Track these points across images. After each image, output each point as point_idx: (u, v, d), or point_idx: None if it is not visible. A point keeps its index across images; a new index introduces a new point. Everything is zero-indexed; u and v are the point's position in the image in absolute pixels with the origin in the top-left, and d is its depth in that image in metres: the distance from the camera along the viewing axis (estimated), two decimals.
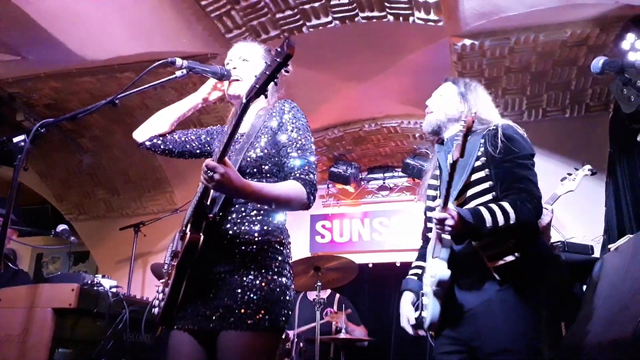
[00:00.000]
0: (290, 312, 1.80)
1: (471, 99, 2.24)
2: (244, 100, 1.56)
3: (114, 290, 2.72)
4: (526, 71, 4.33)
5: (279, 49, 1.52)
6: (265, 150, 1.84)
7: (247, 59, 2.00)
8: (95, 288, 2.64)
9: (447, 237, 2.01)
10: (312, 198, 1.79)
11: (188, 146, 2.10)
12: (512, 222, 1.89)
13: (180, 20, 3.94)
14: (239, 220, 1.81)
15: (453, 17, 3.78)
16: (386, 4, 3.73)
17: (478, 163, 2.07)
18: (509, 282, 1.93)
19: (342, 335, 4.19)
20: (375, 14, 3.83)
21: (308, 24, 3.98)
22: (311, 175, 1.80)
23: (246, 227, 1.80)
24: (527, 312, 1.92)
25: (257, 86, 1.54)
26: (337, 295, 4.98)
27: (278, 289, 1.76)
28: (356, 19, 3.89)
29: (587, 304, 3.13)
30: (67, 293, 2.46)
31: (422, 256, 2.34)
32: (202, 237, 1.71)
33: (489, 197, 2.02)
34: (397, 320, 6.69)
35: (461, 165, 2.03)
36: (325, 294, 4.89)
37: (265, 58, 2.03)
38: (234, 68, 1.98)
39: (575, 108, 4.63)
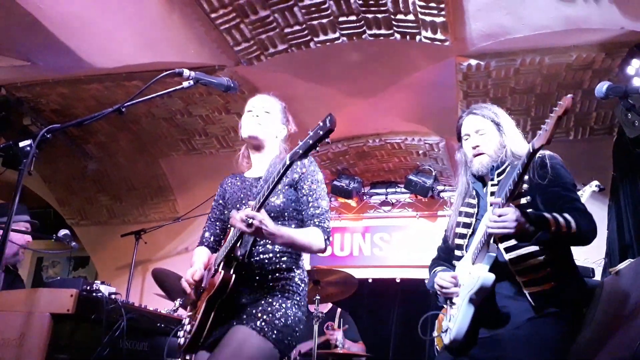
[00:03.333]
0: (295, 343, 2.03)
1: (505, 128, 2.22)
2: (288, 162, 1.81)
3: (112, 297, 2.71)
4: (531, 93, 4.35)
5: (321, 123, 1.75)
6: (287, 198, 2.11)
7: (269, 112, 2.27)
8: (94, 294, 2.63)
9: (494, 245, 2.00)
10: (327, 243, 2.08)
11: (223, 225, 2.33)
12: (572, 230, 1.87)
13: (189, 31, 3.98)
14: (267, 260, 2.05)
15: (460, 37, 3.81)
16: (394, 22, 3.77)
17: (521, 190, 2.05)
18: (543, 311, 1.91)
19: (340, 350, 4.16)
20: (383, 31, 3.86)
21: (316, 39, 4.01)
22: (327, 223, 2.10)
23: (275, 266, 2.05)
24: (555, 346, 1.91)
25: (300, 152, 1.78)
26: (339, 310, 4.96)
27: (293, 317, 2.00)
28: (363, 36, 3.93)
29: (587, 327, 3.11)
30: (66, 298, 2.45)
31: (439, 263, 2.35)
32: (234, 276, 1.95)
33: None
34: (396, 336, 6.64)
35: (503, 191, 2.03)
36: (325, 308, 4.87)
37: (282, 113, 2.33)
38: (257, 116, 2.24)
39: (579, 131, 4.65)
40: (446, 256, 2.36)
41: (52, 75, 4.42)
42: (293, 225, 2.11)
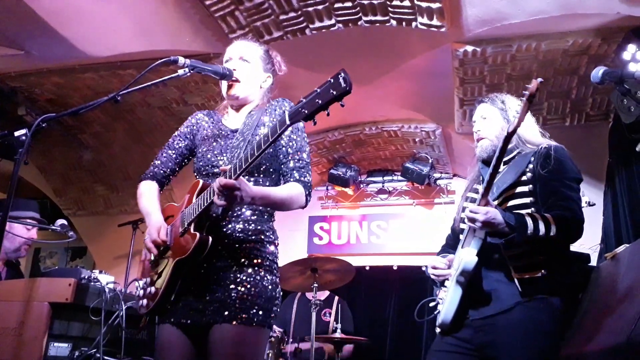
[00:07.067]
0: (278, 309, 1.88)
1: (511, 115, 2.21)
2: (288, 122, 1.51)
3: (110, 286, 2.72)
4: (527, 79, 4.33)
5: (332, 80, 1.46)
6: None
7: (247, 60, 2.03)
8: (92, 283, 2.64)
9: (482, 230, 2.01)
10: (308, 199, 1.92)
11: (182, 161, 2.21)
12: (552, 234, 1.91)
13: (183, 19, 3.95)
14: (233, 219, 1.87)
15: (456, 23, 3.80)
16: (389, 8, 3.75)
17: (524, 178, 2.08)
18: (532, 297, 1.94)
19: (337, 335, 4.19)
20: (379, 18, 3.84)
21: (311, 26, 3.99)
22: (308, 177, 1.93)
23: (241, 226, 1.86)
24: (548, 331, 1.93)
25: (305, 112, 1.48)
26: (336, 297, 4.99)
27: (270, 286, 1.84)
28: (359, 23, 3.91)
29: (583, 312, 3.14)
30: (64, 288, 2.47)
31: (445, 250, 2.39)
32: (210, 238, 1.76)
33: (527, 212, 2.03)
34: (393, 324, 6.68)
35: (507, 177, 2.08)
36: (323, 295, 4.90)
37: (264, 60, 2.08)
38: (234, 69, 2.00)
39: (575, 117, 4.64)
40: (453, 243, 2.38)
41: (47, 64, 4.38)
42: (267, 182, 1.91)
